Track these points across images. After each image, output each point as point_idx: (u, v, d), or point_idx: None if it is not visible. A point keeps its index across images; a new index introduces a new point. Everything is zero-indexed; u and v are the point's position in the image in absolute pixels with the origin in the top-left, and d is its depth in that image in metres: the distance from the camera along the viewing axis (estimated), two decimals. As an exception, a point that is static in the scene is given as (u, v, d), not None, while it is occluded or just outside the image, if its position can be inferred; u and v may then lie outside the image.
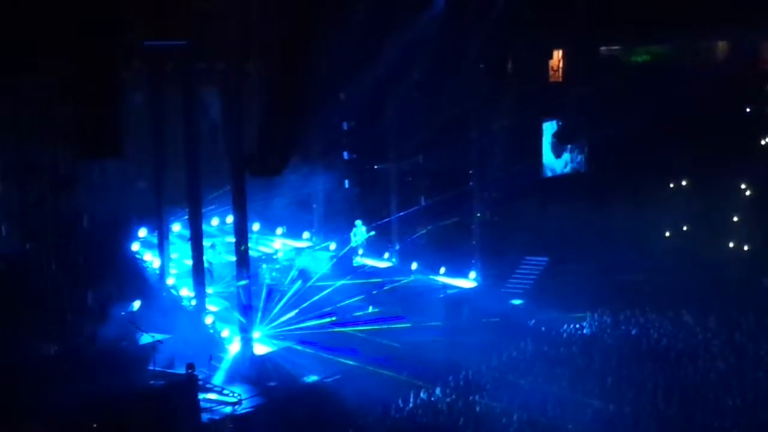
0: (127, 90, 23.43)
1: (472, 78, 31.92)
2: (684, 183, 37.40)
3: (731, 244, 35.32)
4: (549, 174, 36.88)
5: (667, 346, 26.67)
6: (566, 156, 37.23)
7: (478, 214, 32.27)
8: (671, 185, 37.48)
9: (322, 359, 24.30)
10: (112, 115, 19.78)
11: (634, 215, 33.64)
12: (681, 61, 37.21)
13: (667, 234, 35.62)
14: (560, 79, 36.77)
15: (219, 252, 27.11)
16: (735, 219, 35.99)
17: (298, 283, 26.68)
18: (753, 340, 26.62)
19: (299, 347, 24.41)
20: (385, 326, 26.18)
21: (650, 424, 21.43)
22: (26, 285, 20.90)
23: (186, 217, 25.55)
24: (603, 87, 34.51)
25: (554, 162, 37.05)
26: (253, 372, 23.54)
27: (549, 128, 36.49)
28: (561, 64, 36.90)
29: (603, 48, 38.14)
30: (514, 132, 34.54)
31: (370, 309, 26.88)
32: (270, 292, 25.40)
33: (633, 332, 28.08)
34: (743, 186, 37.07)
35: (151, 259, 26.14)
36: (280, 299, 25.46)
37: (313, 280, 27.00)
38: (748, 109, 37.63)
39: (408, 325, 26.63)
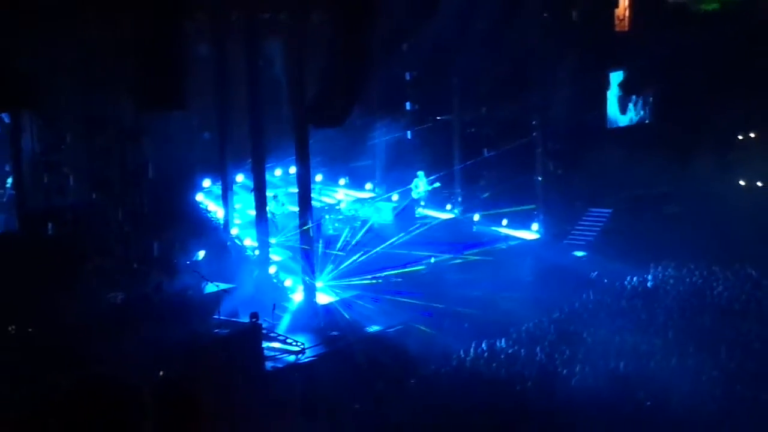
0: (191, 41, 23.55)
1: (537, 28, 31.61)
2: (752, 135, 36.80)
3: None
4: (614, 125, 36.50)
5: (730, 299, 26.42)
6: (632, 107, 36.81)
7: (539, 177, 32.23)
8: (740, 137, 36.91)
9: (384, 310, 24.45)
10: (176, 68, 19.91)
11: (699, 166, 33.18)
12: (751, 10, 36.45)
13: (732, 186, 35.11)
14: (626, 28, 36.26)
15: (282, 202, 27.30)
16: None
17: (360, 233, 26.82)
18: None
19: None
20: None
21: (712, 378, 21.31)
22: (93, 235, 21.24)
23: (249, 167, 25.72)
24: (670, 36, 33.97)
25: (619, 113, 36.66)
26: (316, 321, 23.77)
27: (615, 78, 36.08)
28: (627, 13, 36.34)
29: (671, -4, 37.57)
30: (579, 82, 34.17)
31: (432, 260, 26.93)
32: (328, 243, 25.50)
33: (697, 285, 27.84)
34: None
35: (215, 210, 26.39)
36: (342, 250, 25.60)
37: (363, 228, 27.10)
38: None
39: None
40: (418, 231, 27.64)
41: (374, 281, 25.08)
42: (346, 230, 26.95)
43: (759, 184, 35.34)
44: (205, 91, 24.93)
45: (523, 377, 21.89)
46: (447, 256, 27.04)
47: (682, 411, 19.91)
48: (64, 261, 20.40)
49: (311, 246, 24.51)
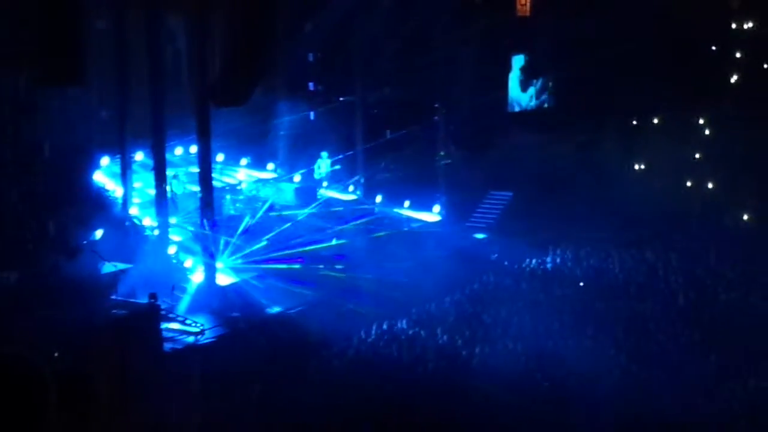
0: (90, 14, 23.00)
1: (440, 10, 31.69)
2: (649, 120, 37.50)
3: (694, 182, 35.57)
4: (515, 108, 36.84)
5: (627, 281, 26.92)
6: (532, 91, 37.19)
7: (442, 153, 32.35)
8: (635, 122, 37.58)
9: (285, 291, 24.31)
10: (73, 42, 19.45)
11: (598, 152, 33.70)
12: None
13: (630, 171, 35.75)
14: (527, 13, 36.57)
15: (182, 182, 26.95)
16: (698, 157, 36.19)
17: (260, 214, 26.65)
18: (712, 276, 26.91)
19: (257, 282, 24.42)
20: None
21: (610, 358, 21.68)
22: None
23: (149, 145, 25.30)
24: (571, 21, 34.39)
25: (521, 96, 37.01)
26: (216, 302, 23.54)
27: (516, 62, 36.39)
28: (529, -3, 36.68)
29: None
30: (481, 66, 34.41)
31: (334, 241, 26.86)
32: (228, 224, 25.27)
33: (595, 267, 28.29)
34: (707, 124, 37.26)
35: (114, 188, 25.92)
36: (243, 230, 25.39)
37: (265, 209, 26.92)
38: (713, 48, 37.73)
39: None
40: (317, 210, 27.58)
41: (277, 266, 24.95)
42: (248, 211, 26.74)
43: (652, 167, 36.02)
44: (104, 66, 24.45)
45: (424, 358, 21.99)
46: (348, 225, 27.03)
47: (579, 391, 20.21)
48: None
49: (212, 226, 24.26)
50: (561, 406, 19.67)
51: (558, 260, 29.14)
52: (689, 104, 36.17)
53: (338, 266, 25.62)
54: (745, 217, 33.39)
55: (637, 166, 36.29)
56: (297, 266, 25.16)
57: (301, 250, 25.51)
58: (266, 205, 27.12)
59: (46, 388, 17.41)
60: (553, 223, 30.98)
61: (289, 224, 26.36)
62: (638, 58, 35.10)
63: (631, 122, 37.43)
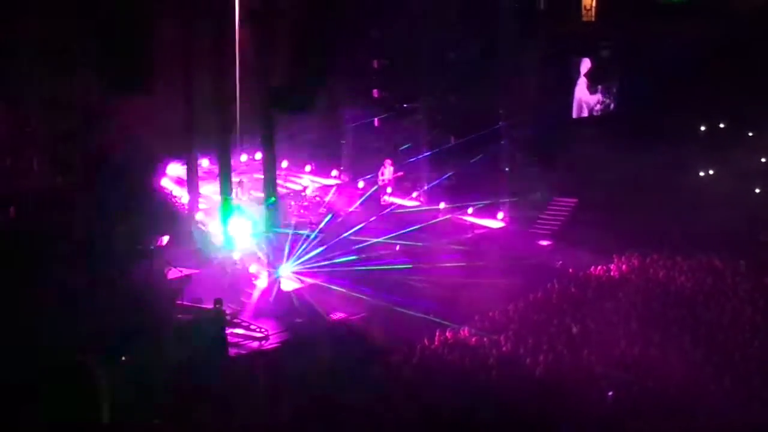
0: (157, 23, 23.28)
1: (505, 16, 31.59)
2: (716, 125, 37.00)
3: (762, 188, 35.00)
4: (581, 114, 36.57)
5: (694, 289, 26.54)
6: (598, 96, 36.89)
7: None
8: (703, 128, 37.11)
9: (348, 297, 24.35)
10: (141, 50, 19.71)
11: (665, 157, 33.25)
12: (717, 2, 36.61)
13: (697, 177, 35.29)
14: (593, 18, 36.33)
15: (247, 188, 27.14)
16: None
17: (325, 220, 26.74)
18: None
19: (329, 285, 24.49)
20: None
21: (676, 366, 21.41)
22: (56, 219, 20.99)
23: (215, 152, 25.50)
24: (637, 27, 34.08)
25: (586, 102, 36.72)
26: (280, 308, 23.65)
27: (582, 68, 36.14)
28: (594, 3, 36.39)
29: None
30: (546, 71, 34.21)
31: (398, 247, 26.87)
32: (293, 230, 25.40)
33: (660, 275, 27.95)
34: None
35: (180, 195, 26.18)
36: (306, 237, 25.49)
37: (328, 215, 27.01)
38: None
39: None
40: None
41: (340, 269, 25.00)
42: (313, 217, 26.86)
43: (719, 173, 35.52)
44: (171, 73, 24.69)
45: (488, 366, 21.88)
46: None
47: (645, 400, 20.00)
48: (27, 245, 20.15)
49: (276, 232, 24.39)
50: (625, 414, 19.48)
51: (623, 267, 28.81)
52: (759, 109, 35.59)
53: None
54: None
55: (703, 172, 35.80)
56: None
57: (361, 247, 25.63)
58: (343, 217, 27.29)
59: (102, 394, 17.58)
60: (618, 229, 30.60)
61: (355, 228, 26.43)
62: (705, 61, 34.65)
63: (699, 127, 36.95)
